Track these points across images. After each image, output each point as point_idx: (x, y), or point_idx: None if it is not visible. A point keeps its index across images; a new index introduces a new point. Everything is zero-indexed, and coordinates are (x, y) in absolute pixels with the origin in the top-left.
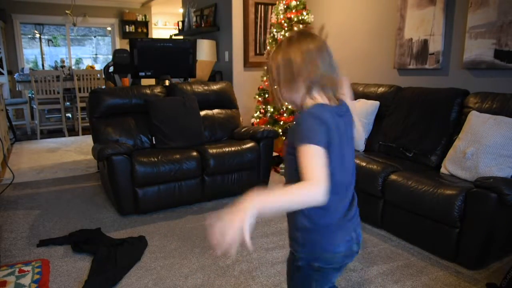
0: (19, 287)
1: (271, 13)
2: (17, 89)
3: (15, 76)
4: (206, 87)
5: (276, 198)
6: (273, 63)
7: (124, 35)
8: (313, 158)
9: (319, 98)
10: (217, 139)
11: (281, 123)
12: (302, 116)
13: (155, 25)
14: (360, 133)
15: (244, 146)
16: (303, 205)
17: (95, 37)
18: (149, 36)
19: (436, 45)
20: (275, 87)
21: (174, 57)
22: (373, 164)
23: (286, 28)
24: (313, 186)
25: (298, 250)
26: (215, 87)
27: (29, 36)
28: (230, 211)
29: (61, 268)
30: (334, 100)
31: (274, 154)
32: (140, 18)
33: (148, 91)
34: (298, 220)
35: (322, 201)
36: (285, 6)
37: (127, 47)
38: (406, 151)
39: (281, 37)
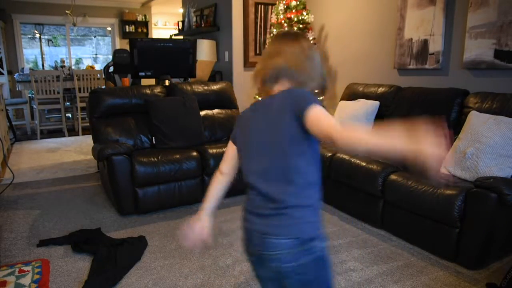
0: (19, 287)
1: (271, 13)
2: (17, 89)
3: (15, 76)
4: (206, 87)
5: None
6: None
7: (124, 35)
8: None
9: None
10: (217, 139)
11: None
12: None
13: (155, 25)
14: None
15: None
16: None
17: (95, 37)
18: (149, 36)
19: (436, 45)
20: None
21: (174, 57)
22: (373, 164)
23: (286, 28)
24: None
25: None
26: (215, 87)
27: (29, 36)
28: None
29: (61, 268)
30: (266, 93)
31: None
32: (140, 18)
33: (148, 91)
34: None
35: (217, 178)
36: (285, 6)
37: (127, 47)
38: None
39: None
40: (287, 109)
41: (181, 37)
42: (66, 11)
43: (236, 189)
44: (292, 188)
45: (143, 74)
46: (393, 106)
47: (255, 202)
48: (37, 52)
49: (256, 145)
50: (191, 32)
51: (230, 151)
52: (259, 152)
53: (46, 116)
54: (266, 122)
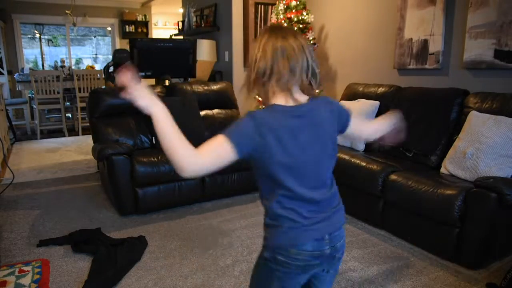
0: (19, 287)
1: (271, 13)
2: (17, 89)
3: (15, 76)
4: (206, 87)
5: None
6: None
7: (124, 35)
8: (214, 143)
9: (277, 98)
10: None
11: None
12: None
13: (155, 25)
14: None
15: None
16: (171, 156)
17: (95, 37)
18: (149, 36)
19: (436, 45)
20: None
21: (174, 57)
22: (373, 164)
23: None
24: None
25: (265, 239)
26: (215, 87)
27: (29, 36)
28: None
29: (61, 268)
30: (294, 99)
31: None
32: (140, 18)
33: None
34: (266, 216)
35: (183, 174)
36: (285, 6)
37: (127, 47)
38: (406, 151)
39: None
40: (336, 120)
41: (181, 37)
42: (66, 11)
43: (235, 189)
44: (332, 189)
45: (143, 74)
46: (393, 106)
47: (311, 210)
48: (37, 52)
49: (311, 159)
50: (191, 32)
51: (224, 156)
52: (312, 165)
53: (46, 116)
54: (318, 134)
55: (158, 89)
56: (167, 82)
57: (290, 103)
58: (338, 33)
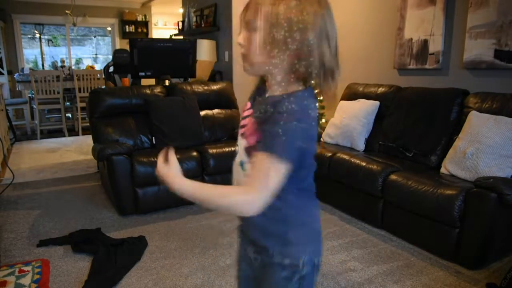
0: (19, 287)
1: None
2: (17, 89)
3: (15, 76)
4: (206, 87)
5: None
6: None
7: (124, 35)
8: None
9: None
10: (217, 139)
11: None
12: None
13: (155, 25)
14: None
15: None
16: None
17: (95, 37)
18: (149, 36)
19: (436, 45)
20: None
21: (174, 57)
22: (373, 164)
23: None
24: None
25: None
26: (215, 87)
27: (29, 36)
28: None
29: (61, 268)
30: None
31: None
32: (140, 18)
33: (148, 91)
34: None
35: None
36: None
37: (127, 47)
38: (406, 151)
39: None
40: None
41: (181, 37)
42: (66, 11)
43: None
44: None
45: (143, 74)
46: (393, 106)
47: None
48: (37, 52)
49: None
50: (191, 32)
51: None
52: None
53: (46, 116)
54: None
55: (158, 89)
56: (167, 82)
57: None
58: (338, 33)
